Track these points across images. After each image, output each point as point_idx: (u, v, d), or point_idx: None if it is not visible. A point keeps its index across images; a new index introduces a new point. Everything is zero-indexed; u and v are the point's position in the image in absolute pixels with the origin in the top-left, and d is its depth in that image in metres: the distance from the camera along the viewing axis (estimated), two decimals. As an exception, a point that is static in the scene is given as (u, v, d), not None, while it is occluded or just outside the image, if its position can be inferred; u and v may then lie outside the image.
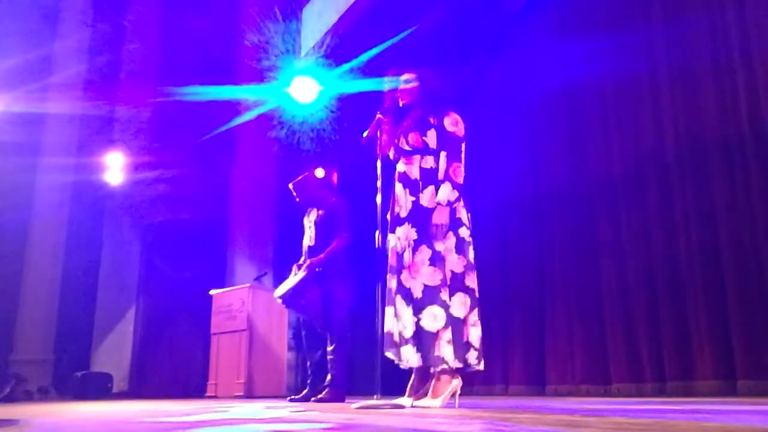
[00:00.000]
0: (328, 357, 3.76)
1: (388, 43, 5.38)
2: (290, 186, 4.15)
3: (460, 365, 2.54)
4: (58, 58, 8.28)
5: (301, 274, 3.74)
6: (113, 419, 2.32)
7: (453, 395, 2.56)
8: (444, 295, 2.57)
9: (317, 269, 3.77)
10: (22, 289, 7.86)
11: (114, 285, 8.61)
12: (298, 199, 4.13)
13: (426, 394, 2.58)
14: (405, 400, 2.60)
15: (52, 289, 7.97)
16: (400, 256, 2.72)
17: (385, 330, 2.69)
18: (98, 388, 6.81)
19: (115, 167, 7.89)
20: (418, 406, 2.53)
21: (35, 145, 7.99)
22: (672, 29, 4.31)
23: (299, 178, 4.13)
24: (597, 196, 4.69)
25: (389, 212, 2.81)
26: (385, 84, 2.97)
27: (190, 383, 7.23)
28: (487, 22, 5.62)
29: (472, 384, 5.16)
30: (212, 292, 5.99)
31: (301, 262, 3.95)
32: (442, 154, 2.73)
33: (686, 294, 3.92)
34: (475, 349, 2.58)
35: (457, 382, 2.55)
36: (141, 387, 7.81)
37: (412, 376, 2.71)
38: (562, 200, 4.99)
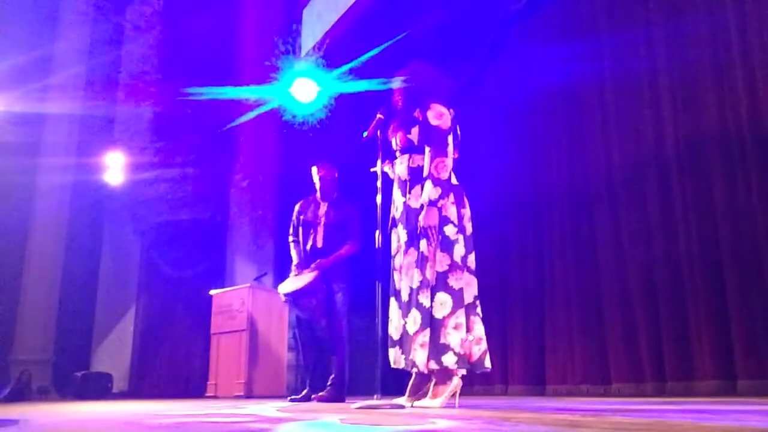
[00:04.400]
0: (331, 357, 3.78)
1: (388, 43, 5.38)
2: (315, 171, 3.99)
3: (436, 367, 2.48)
4: (58, 58, 8.28)
5: (312, 274, 3.73)
6: (113, 419, 2.32)
7: (453, 395, 2.56)
8: (423, 297, 2.54)
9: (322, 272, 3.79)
10: (22, 289, 7.86)
11: (114, 285, 8.61)
12: (319, 186, 3.98)
13: (426, 395, 2.58)
14: (405, 400, 2.61)
15: (52, 289, 7.97)
16: (393, 259, 2.75)
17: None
18: (98, 388, 6.80)
19: (115, 167, 7.90)
20: (418, 406, 2.53)
21: (35, 145, 7.99)
22: (672, 29, 4.31)
23: (323, 169, 3.99)
24: (597, 196, 4.69)
25: (390, 214, 2.82)
26: (393, 83, 2.94)
27: (190, 383, 7.23)
28: (486, 22, 5.62)
29: (472, 384, 5.16)
30: (212, 292, 5.99)
31: (297, 262, 3.94)
32: (427, 150, 2.63)
33: (686, 294, 3.92)
34: (455, 353, 2.46)
35: (457, 383, 2.54)
36: (141, 387, 7.81)
37: (413, 376, 2.71)
38: (562, 200, 4.99)
